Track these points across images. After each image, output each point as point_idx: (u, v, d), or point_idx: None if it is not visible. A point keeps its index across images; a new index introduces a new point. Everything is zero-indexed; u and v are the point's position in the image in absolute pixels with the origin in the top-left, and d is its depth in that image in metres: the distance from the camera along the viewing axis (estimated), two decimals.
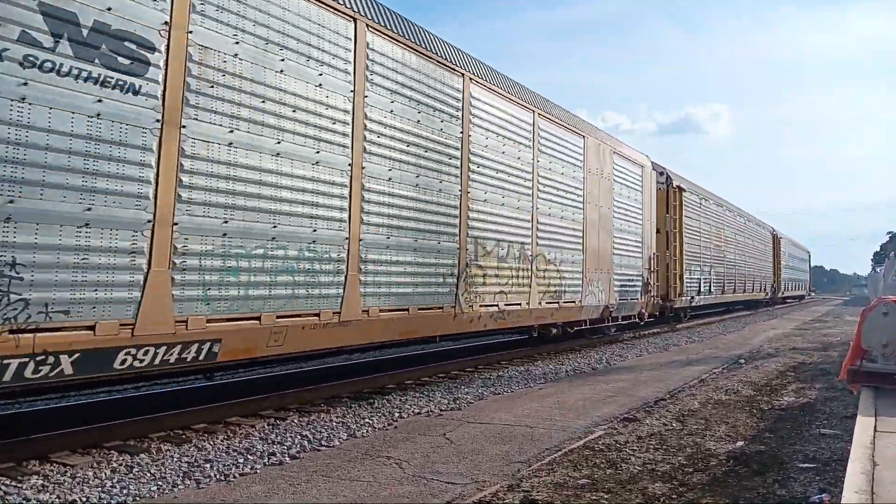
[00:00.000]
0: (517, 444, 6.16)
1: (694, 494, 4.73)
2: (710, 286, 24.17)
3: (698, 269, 22.77)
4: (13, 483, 4.86)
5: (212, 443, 6.11)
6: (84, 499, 4.61)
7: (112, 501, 4.59)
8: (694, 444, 6.16)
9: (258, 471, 5.33)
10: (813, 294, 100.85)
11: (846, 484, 3.69)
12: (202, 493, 4.81)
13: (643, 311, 16.95)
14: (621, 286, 15.63)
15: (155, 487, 4.86)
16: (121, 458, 5.55)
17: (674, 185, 20.46)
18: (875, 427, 5.06)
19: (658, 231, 18.93)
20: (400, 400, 8.27)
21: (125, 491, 4.77)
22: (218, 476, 5.15)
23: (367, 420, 7.11)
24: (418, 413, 7.56)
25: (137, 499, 4.66)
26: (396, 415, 7.41)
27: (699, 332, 20.36)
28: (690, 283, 21.70)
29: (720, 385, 9.58)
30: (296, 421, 7.04)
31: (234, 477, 5.15)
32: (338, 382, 8.81)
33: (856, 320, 7.32)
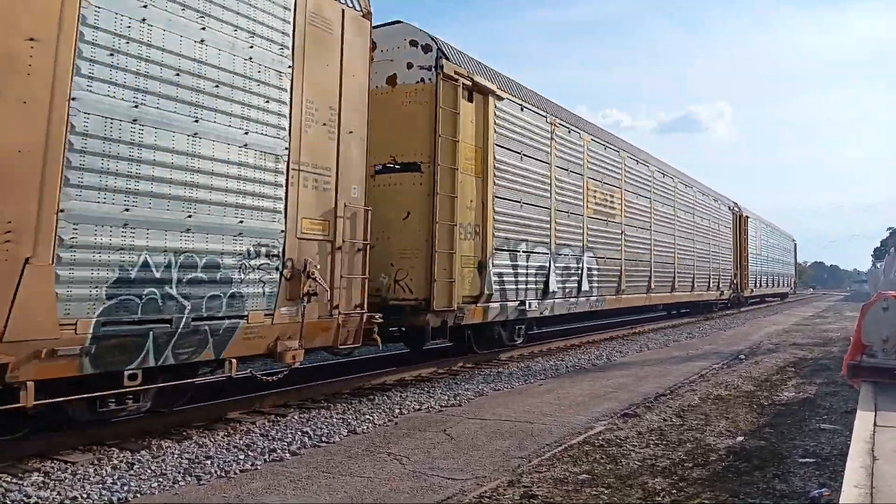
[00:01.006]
0: (517, 440, 6.17)
1: (694, 489, 4.73)
2: (580, 282, 13.98)
3: (544, 250, 12.62)
4: (14, 480, 4.86)
5: (212, 439, 6.12)
6: (85, 495, 4.62)
7: (113, 498, 4.59)
8: (694, 439, 6.16)
9: (259, 467, 5.33)
10: (811, 290, 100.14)
11: (846, 478, 3.70)
12: (202, 489, 4.81)
13: (280, 344, 6.81)
14: (121, 288, 5.42)
15: (156, 484, 4.87)
16: (121, 455, 5.55)
17: (447, 73, 10.00)
18: (875, 422, 5.06)
19: (414, 168, 9.89)
20: (400, 396, 8.27)
21: (126, 488, 4.77)
22: (218, 472, 5.15)
23: (367, 416, 7.11)
24: (418, 409, 7.57)
25: (138, 495, 4.66)
26: (397, 411, 7.41)
27: (700, 327, 20.34)
28: (519, 276, 11.72)
29: (720, 380, 9.59)
30: (296, 417, 7.05)
31: (235, 473, 5.15)
32: (338, 379, 8.82)
33: (856, 316, 7.32)
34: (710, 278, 24.78)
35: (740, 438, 6.20)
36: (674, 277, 20.38)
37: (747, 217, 32.00)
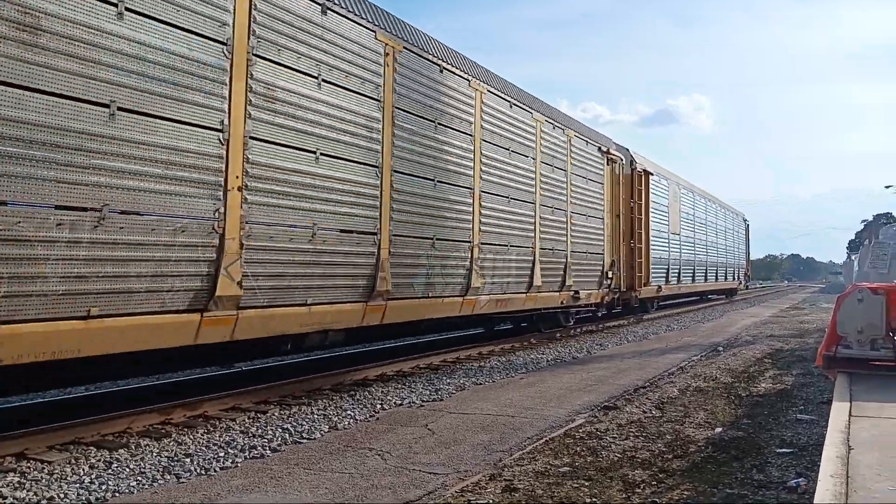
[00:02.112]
0: (499, 434, 6.18)
1: (673, 480, 4.78)
2: None
3: None
4: None
5: (192, 437, 6.06)
6: (62, 495, 4.55)
7: (91, 498, 4.53)
8: (673, 431, 6.22)
9: (239, 464, 5.29)
10: (787, 283, 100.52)
11: (822, 468, 3.75)
12: (182, 487, 4.77)
13: None
14: None
15: (134, 483, 4.81)
16: (99, 454, 5.48)
17: None
18: (850, 412, 5.15)
19: None
20: (381, 392, 8.26)
21: (104, 487, 4.72)
22: (198, 470, 5.11)
23: (348, 412, 7.09)
24: (400, 404, 7.56)
25: (117, 494, 4.61)
26: (378, 406, 7.40)
27: (678, 319, 20.51)
28: None
29: (699, 372, 9.68)
30: (277, 414, 7.01)
31: (215, 471, 5.11)
32: (319, 375, 8.78)
33: (831, 307, 7.43)
34: (532, 269, 12.99)
35: (719, 430, 6.27)
36: (428, 269, 9.93)
37: (649, 173, 19.68)
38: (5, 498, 4.47)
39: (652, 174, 20.19)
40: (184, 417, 6.68)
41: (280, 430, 6.29)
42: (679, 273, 23.50)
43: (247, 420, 6.74)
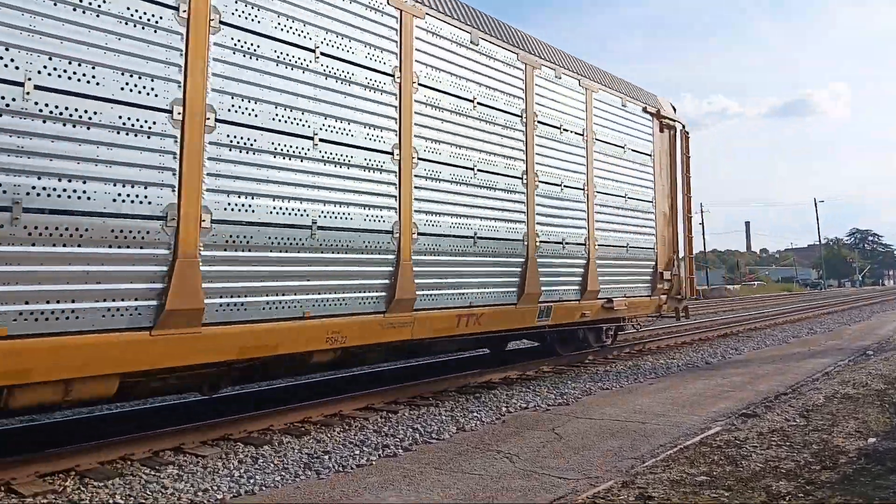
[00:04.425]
0: (629, 440, 6.04)
1: (822, 493, 4.48)
2: None
3: None
4: (152, 472, 5.24)
5: (329, 435, 6.35)
6: (215, 487, 4.90)
7: (241, 490, 4.86)
8: (820, 440, 5.83)
9: (374, 462, 5.49)
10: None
11: None
12: (322, 483, 5.01)
13: None
14: None
15: (279, 477, 5.11)
16: (246, 450, 5.86)
17: None
18: None
19: None
20: (506, 395, 8.28)
21: (252, 480, 5.04)
22: (336, 467, 5.35)
23: (474, 414, 7.17)
24: (525, 408, 7.56)
25: (264, 488, 4.90)
26: (503, 409, 7.43)
27: (821, 321, 19.14)
28: None
29: (846, 378, 9.01)
30: (406, 414, 7.20)
31: (352, 468, 5.33)
32: (444, 377, 8.94)
33: None
34: None
35: (872, 440, 5.81)
36: None
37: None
38: (167, 488, 4.88)
39: None
40: (321, 416, 7.00)
41: (410, 430, 6.46)
42: None
43: (379, 419, 6.97)
